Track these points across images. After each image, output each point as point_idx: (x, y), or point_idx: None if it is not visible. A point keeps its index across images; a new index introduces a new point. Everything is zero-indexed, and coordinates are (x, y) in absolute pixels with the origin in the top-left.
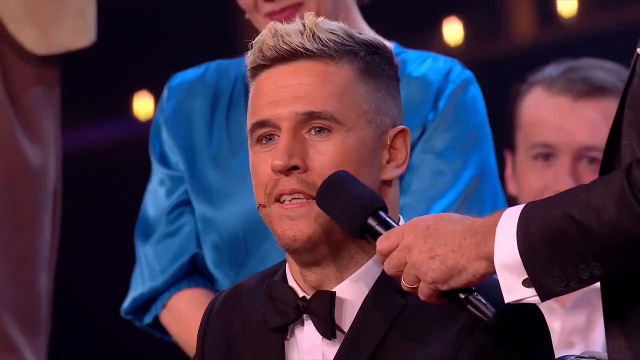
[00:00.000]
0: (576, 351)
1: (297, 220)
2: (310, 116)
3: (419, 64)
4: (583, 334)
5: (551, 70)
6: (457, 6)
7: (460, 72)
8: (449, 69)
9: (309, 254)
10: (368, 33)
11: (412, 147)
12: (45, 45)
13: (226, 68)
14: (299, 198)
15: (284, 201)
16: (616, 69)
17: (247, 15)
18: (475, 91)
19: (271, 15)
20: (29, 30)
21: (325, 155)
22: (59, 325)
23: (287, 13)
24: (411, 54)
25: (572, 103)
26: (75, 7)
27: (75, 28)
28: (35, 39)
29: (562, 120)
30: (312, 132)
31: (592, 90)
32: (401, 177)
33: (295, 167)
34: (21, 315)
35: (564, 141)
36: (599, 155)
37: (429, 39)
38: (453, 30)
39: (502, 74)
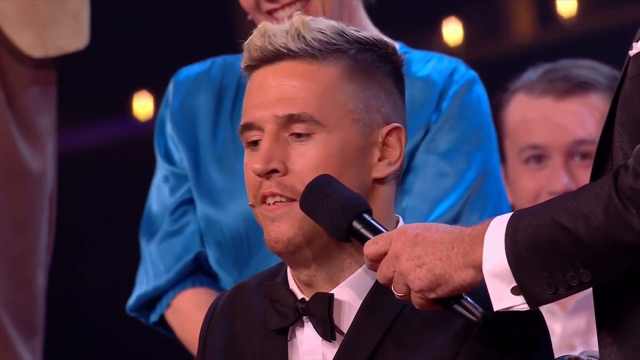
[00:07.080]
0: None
1: (278, 222)
2: (290, 119)
3: (424, 64)
4: (584, 337)
5: (530, 74)
6: (456, 6)
7: (465, 72)
8: (453, 69)
9: (292, 256)
10: (373, 32)
11: (416, 148)
12: (42, 48)
13: (232, 64)
14: (280, 200)
15: (268, 203)
16: (595, 66)
17: (249, 17)
18: (480, 91)
19: (271, 13)
20: (25, 33)
21: (306, 158)
22: (55, 326)
23: (290, 10)
24: (416, 54)
25: (555, 102)
26: (71, 9)
27: (70, 30)
28: (32, 42)
29: (548, 119)
30: (294, 136)
31: (573, 87)
32: (403, 178)
33: (274, 171)
34: (18, 315)
35: (553, 139)
36: (590, 148)
37: (429, 39)
38: (453, 30)
39: (502, 74)
